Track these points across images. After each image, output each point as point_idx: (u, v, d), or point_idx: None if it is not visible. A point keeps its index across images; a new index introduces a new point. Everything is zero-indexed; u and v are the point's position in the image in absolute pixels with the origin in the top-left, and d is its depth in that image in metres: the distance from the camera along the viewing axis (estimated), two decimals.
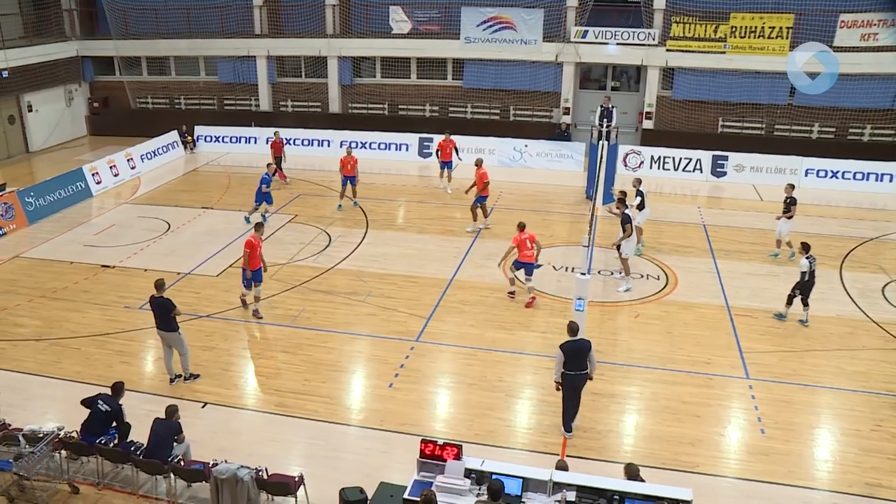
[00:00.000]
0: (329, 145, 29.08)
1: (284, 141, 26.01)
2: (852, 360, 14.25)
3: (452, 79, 30.32)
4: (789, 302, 15.63)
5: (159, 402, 11.45)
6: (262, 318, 15.57)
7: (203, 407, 12.48)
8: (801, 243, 15.60)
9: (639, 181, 19.28)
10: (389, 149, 28.01)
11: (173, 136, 29.36)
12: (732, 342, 14.83)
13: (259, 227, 15.96)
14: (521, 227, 16.36)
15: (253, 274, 15.36)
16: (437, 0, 29.36)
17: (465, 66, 29.70)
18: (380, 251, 19.25)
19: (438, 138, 25.92)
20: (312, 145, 29.24)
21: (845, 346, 14.78)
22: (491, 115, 30.09)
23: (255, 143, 29.35)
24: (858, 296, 16.99)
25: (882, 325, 15.62)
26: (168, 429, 10.26)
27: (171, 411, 10.42)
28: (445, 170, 24.43)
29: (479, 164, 20.62)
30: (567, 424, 11.71)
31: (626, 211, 17.07)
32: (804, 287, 15.39)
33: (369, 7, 29.74)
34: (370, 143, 28.43)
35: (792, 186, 19.05)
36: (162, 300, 12.80)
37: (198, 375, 13.30)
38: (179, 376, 13.19)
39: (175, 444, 10.29)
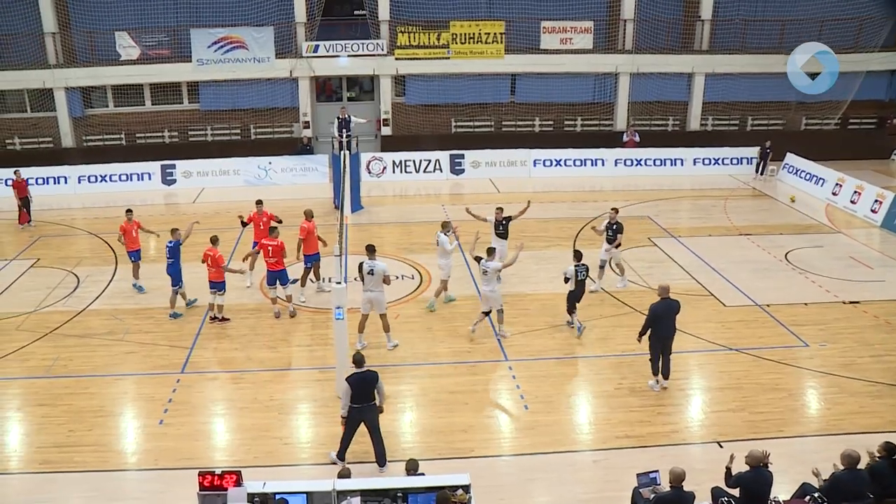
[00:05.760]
0: (66, 182, 26.80)
1: (27, 180, 23.56)
2: (594, 328, 15.74)
3: (189, 102, 29.36)
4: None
5: None
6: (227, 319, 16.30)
7: None
8: (574, 251, 15.65)
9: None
10: (131, 179, 26.56)
11: None
12: (490, 331, 15.70)
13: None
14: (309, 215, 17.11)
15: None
16: (165, 24, 28.26)
17: (200, 89, 28.96)
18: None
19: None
20: (48, 183, 26.63)
21: (587, 316, 16.11)
22: (232, 136, 29.57)
23: None
24: (590, 270, 18.71)
25: (612, 294, 17.42)
26: None
27: None
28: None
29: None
30: (342, 453, 11.30)
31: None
32: (571, 296, 15.36)
33: (93, 34, 27.88)
34: (110, 176, 26.80)
35: (616, 210, 17.64)
36: None
37: None
38: None
39: None
